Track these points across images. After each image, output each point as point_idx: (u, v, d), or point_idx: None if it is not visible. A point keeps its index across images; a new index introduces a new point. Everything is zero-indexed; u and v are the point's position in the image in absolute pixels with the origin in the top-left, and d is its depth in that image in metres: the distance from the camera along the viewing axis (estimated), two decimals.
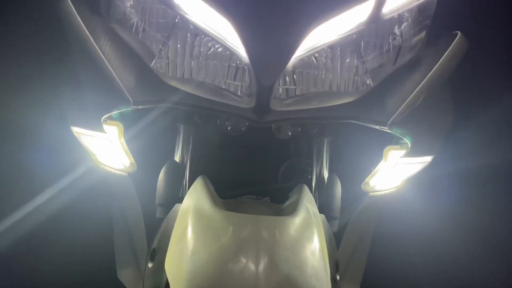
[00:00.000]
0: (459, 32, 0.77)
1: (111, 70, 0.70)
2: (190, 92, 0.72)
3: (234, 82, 0.73)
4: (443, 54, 0.74)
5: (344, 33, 0.68)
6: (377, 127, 0.74)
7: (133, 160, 0.90)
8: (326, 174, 0.92)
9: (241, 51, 0.67)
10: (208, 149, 0.97)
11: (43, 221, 1.17)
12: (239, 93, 0.73)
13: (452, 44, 0.75)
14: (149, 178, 0.92)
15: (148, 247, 0.88)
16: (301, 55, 0.68)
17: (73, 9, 0.74)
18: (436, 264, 1.46)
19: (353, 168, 0.94)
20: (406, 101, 0.72)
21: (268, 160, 1.02)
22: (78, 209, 1.21)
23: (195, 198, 0.76)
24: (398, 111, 0.72)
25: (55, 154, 1.21)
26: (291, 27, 0.66)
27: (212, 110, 0.73)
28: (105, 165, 0.92)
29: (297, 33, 0.65)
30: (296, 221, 0.70)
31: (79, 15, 0.74)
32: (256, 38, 0.66)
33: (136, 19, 0.73)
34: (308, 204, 0.76)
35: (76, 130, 0.83)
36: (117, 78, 0.70)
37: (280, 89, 0.71)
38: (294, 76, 0.73)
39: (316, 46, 0.68)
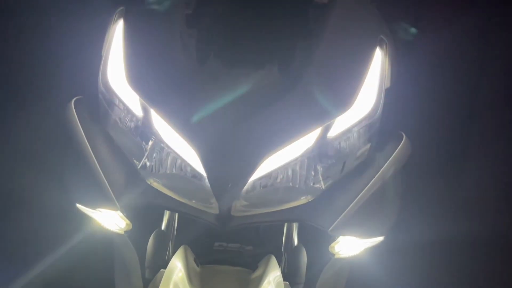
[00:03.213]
0: (403, 136, 0.86)
1: (104, 179, 0.84)
2: (168, 194, 0.84)
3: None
4: (388, 159, 0.83)
5: (293, 158, 0.79)
6: (325, 230, 0.85)
7: (128, 221, 1.02)
8: (295, 242, 1.02)
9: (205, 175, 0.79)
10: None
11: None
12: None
13: (395, 153, 0.84)
14: (143, 236, 1.06)
15: None
16: (254, 180, 0.79)
17: (76, 117, 0.87)
18: None
19: (320, 233, 1.05)
20: (345, 211, 0.82)
21: None
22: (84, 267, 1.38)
23: (176, 272, 0.88)
24: (338, 219, 0.82)
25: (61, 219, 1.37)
26: (245, 159, 0.77)
27: (185, 214, 0.85)
28: (104, 226, 1.05)
29: (251, 164, 0.77)
30: None
31: (79, 120, 0.87)
32: (216, 170, 0.77)
33: (126, 128, 0.85)
34: (271, 279, 0.88)
35: (79, 207, 0.96)
36: (108, 187, 0.84)
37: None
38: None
39: (268, 171, 0.79)
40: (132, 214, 1.03)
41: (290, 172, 0.82)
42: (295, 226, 1.03)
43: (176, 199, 0.85)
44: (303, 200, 0.84)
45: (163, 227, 1.04)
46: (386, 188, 0.86)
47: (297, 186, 0.82)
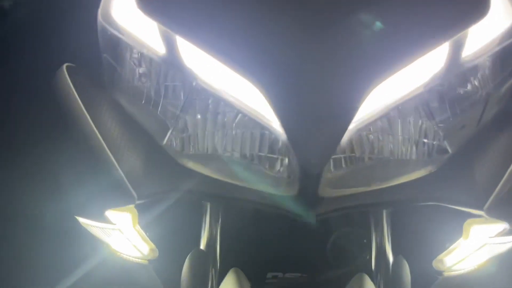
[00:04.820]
0: None
1: (113, 159, 0.57)
2: (211, 175, 0.57)
3: (269, 155, 0.57)
4: None
5: (410, 93, 0.52)
6: (470, 210, 0.57)
7: (153, 246, 0.76)
8: (390, 257, 0.73)
9: (277, 125, 0.52)
10: (240, 226, 0.81)
11: None
12: (276, 170, 0.57)
13: None
14: (173, 265, 0.78)
15: None
16: (354, 127, 0.52)
17: (69, 82, 0.62)
18: None
19: (421, 241, 0.77)
20: (506, 175, 0.55)
21: (314, 232, 0.85)
22: None
23: None
24: (497, 190, 0.55)
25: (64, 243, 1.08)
26: (340, 92, 0.49)
27: (239, 201, 0.58)
28: (121, 253, 0.78)
29: (349, 101, 0.49)
30: None
31: (76, 88, 0.61)
32: (296, 115, 0.50)
33: (145, 88, 0.60)
34: None
35: (81, 220, 0.70)
36: (119, 170, 0.57)
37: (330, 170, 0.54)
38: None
39: (374, 114, 0.52)
40: (157, 235, 0.76)
41: (398, 112, 0.53)
42: (387, 235, 0.73)
43: (226, 181, 0.57)
44: (421, 169, 0.57)
45: (202, 246, 0.75)
46: None
47: (410, 137, 0.54)
